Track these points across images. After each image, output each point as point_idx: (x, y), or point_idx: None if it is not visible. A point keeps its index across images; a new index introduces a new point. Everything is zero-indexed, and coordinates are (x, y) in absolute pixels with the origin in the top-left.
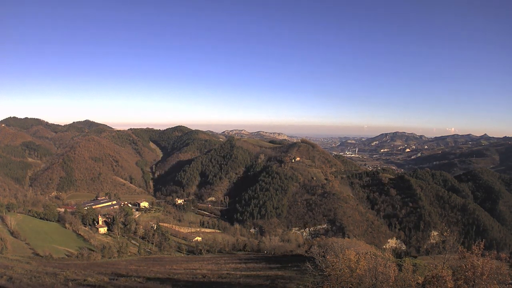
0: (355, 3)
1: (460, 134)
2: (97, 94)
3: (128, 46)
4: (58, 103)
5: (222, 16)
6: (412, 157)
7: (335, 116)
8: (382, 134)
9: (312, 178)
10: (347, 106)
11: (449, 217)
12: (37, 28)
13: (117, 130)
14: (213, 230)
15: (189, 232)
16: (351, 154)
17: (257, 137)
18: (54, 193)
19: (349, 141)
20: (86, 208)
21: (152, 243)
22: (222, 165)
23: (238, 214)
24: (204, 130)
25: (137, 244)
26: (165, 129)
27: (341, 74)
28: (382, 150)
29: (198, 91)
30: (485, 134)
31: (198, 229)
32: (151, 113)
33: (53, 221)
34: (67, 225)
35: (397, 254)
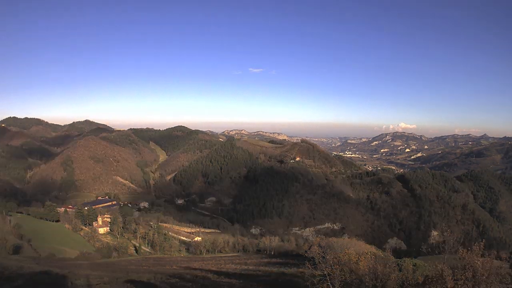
0: (356, 1)
1: (460, 134)
2: (97, 94)
3: (128, 45)
4: (58, 103)
5: (221, 15)
6: (412, 157)
7: (335, 116)
8: (382, 134)
9: (312, 178)
10: (347, 106)
11: (449, 217)
12: (37, 27)
13: (117, 130)
14: (213, 230)
15: (189, 232)
16: (351, 154)
17: (257, 137)
18: (54, 193)
19: (350, 141)
20: (86, 208)
21: (152, 243)
22: (223, 165)
23: (239, 214)
24: (204, 130)
25: (137, 244)
26: (165, 129)
27: (341, 74)
28: (382, 150)
29: (198, 91)
30: (485, 134)
31: (198, 229)
32: (151, 113)
33: (53, 221)
34: (67, 225)
35: (397, 254)
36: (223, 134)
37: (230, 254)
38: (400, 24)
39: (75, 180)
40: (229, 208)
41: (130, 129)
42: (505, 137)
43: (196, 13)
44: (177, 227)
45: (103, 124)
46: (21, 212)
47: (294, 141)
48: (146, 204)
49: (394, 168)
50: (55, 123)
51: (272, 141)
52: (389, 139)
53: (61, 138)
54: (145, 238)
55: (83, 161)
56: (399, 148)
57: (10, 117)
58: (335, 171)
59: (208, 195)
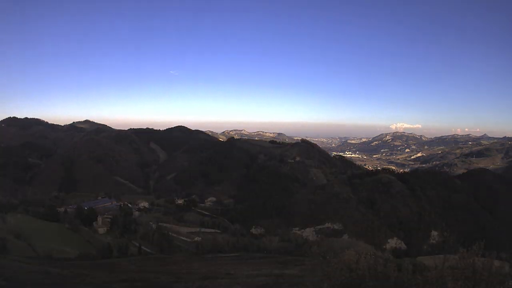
0: (355, 1)
1: (460, 134)
2: (97, 94)
3: (128, 45)
4: (58, 103)
5: (221, 14)
6: (412, 157)
7: (335, 116)
8: (382, 134)
9: (312, 178)
10: (347, 106)
11: (449, 217)
12: (37, 27)
13: (117, 130)
14: (213, 230)
15: (189, 232)
16: (351, 154)
17: (257, 137)
18: (54, 193)
19: (349, 141)
20: (86, 208)
21: (152, 243)
22: (223, 165)
23: (239, 214)
24: (204, 130)
25: (137, 244)
26: (165, 129)
27: (341, 74)
28: (382, 150)
29: (198, 91)
30: (485, 134)
31: (198, 229)
32: (151, 113)
33: (53, 221)
34: (66, 225)
35: (397, 254)
36: (223, 134)
37: (231, 254)
38: (400, 24)
39: (75, 180)
40: (229, 208)
41: (130, 129)
42: (505, 137)
43: (194, 13)
44: (177, 227)
45: (103, 124)
46: (20, 212)
47: (294, 141)
48: (146, 204)
49: (394, 168)
50: (55, 123)
51: (272, 141)
52: (389, 139)
53: (61, 138)
54: (145, 238)
55: (83, 161)
56: (399, 148)
57: (10, 117)
58: (335, 171)
59: (208, 195)
